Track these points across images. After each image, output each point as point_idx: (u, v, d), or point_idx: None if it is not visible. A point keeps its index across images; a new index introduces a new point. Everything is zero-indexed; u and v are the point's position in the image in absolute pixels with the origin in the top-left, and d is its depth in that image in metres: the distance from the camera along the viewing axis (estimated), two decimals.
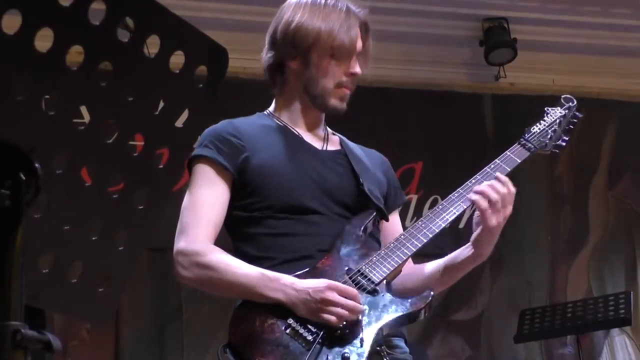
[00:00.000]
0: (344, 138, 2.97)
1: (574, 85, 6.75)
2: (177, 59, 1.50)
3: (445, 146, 6.51)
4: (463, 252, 2.74)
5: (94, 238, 1.54)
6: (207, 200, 2.68)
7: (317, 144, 2.86)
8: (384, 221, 2.85)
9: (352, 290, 2.53)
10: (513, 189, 2.67)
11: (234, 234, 2.75)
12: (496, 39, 6.38)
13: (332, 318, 2.47)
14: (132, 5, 1.42)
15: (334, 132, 2.97)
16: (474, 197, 2.64)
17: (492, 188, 2.64)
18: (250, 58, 5.76)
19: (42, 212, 1.44)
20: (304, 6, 2.78)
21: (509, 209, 2.65)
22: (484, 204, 2.62)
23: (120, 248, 1.59)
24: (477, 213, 2.67)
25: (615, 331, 6.41)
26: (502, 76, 6.61)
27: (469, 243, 2.71)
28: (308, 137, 2.86)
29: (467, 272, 2.77)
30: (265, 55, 2.87)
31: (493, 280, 6.40)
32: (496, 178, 2.68)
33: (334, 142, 2.92)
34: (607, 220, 6.73)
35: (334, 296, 2.49)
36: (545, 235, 6.60)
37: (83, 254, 1.54)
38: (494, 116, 6.73)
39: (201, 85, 1.54)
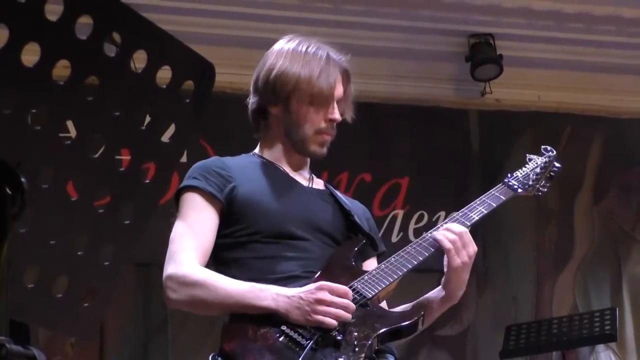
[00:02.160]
0: (328, 184, 3.02)
1: (559, 101, 6.79)
2: (164, 74, 1.50)
3: (431, 162, 6.51)
4: (435, 293, 2.77)
5: (79, 253, 1.54)
6: (196, 227, 2.69)
7: (303, 182, 2.91)
8: (366, 260, 2.89)
9: (343, 288, 2.54)
10: (461, 229, 2.70)
11: (219, 261, 2.75)
12: (482, 55, 6.39)
13: (327, 319, 2.48)
14: (119, 20, 1.42)
15: (322, 175, 3.03)
16: (439, 237, 2.69)
17: (447, 230, 2.70)
18: (237, 73, 5.81)
19: (27, 227, 1.44)
20: (285, 54, 2.83)
21: (471, 248, 2.68)
22: (447, 244, 2.66)
23: (105, 263, 1.59)
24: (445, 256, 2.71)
25: (600, 347, 6.41)
26: (487, 92, 6.62)
27: (440, 286, 2.75)
28: (294, 175, 2.90)
29: (441, 312, 2.79)
30: (250, 101, 2.91)
31: (479, 295, 6.39)
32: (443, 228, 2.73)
33: (319, 184, 2.98)
34: (593, 235, 6.73)
35: (325, 295, 2.50)
36: (531, 251, 6.60)
37: (68, 268, 1.54)
38: (480, 132, 6.73)
39: (188, 100, 1.54)
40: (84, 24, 1.38)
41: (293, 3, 5.99)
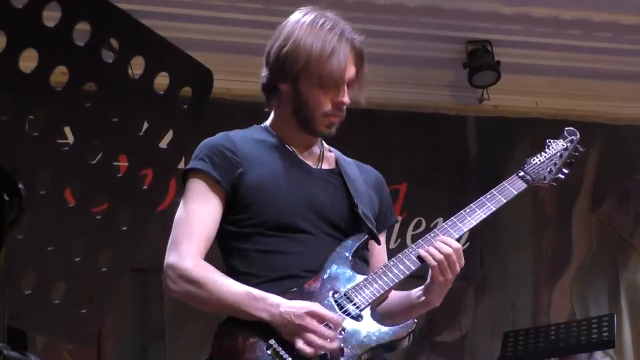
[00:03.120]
0: (340, 155, 2.96)
1: (557, 108, 6.78)
2: (162, 80, 1.50)
3: (429, 168, 6.51)
4: (416, 294, 2.77)
5: (77, 259, 1.54)
6: (199, 215, 2.67)
7: (312, 163, 2.85)
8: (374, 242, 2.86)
9: (336, 318, 2.53)
10: (456, 245, 2.69)
11: (224, 248, 2.75)
12: (480, 62, 6.39)
13: (307, 349, 2.48)
14: (116, 26, 1.42)
15: (331, 149, 2.96)
16: (423, 254, 2.68)
17: (436, 249, 2.67)
18: (235, 79, 5.83)
19: (25, 233, 1.44)
20: (299, 27, 2.76)
21: (456, 268, 2.67)
22: (432, 262, 2.66)
23: (103, 269, 1.59)
24: None
25: (598, 354, 6.41)
26: (485, 98, 6.62)
27: (421, 288, 2.74)
28: (303, 155, 2.84)
29: (419, 314, 2.79)
30: (262, 73, 2.85)
31: (477, 302, 6.39)
32: (440, 240, 2.70)
33: (330, 161, 2.91)
34: (590, 242, 6.73)
35: (312, 324, 2.49)
36: (529, 257, 6.60)
37: (66, 274, 1.54)
38: (478, 138, 6.74)
39: (185, 106, 1.54)
40: (82, 30, 1.38)
41: (291, 9, 5.97)
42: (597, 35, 6.50)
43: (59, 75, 1.41)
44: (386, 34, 6.18)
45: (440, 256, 2.65)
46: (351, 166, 2.93)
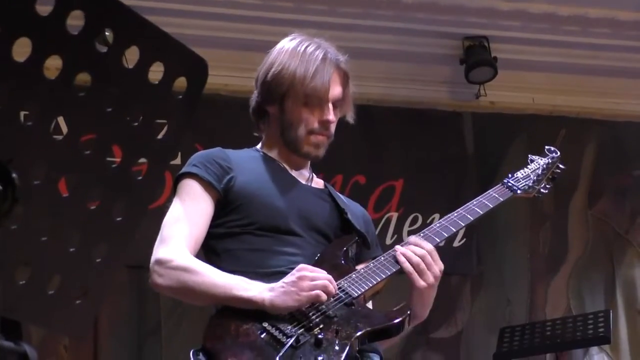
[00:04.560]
0: (328, 184, 3.03)
1: (553, 104, 6.79)
2: (156, 70, 1.50)
3: (425, 164, 6.51)
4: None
5: (71, 250, 1.53)
6: (190, 215, 2.68)
7: (302, 180, 2.92)
8: (363, 253, 2.89)
9: (320, 270, 2.57)
10: (429, 247, 2.69)
11: (209, 249, 2.75)
12: (476, 58, 6.39)
13: (314, 293, 2.49)
14: (111, 15, 1.41)
15: (319, 178, 3.02)
16: (400, 258, 2.68)
17: (410, 250, 2.68)
18: (232, 75, 5.82)
19: (19, 224, 1.43)
20: (284, 52, 2.85)
21: (435, 269, 2.66)
22: (408, 267, 2.66)
23: (98, 260, 1.58)
24: None
25: (594, 349, 6.41)
26: (482, 95, 6.62)
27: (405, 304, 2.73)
28: (293, 173, 2.91)
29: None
30: (252, 98, 2.94)
31: (473, 298, 6.39)
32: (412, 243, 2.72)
33: (319, 184, 2.99)
34: (587, 238, 6.74)
35: (307, 271, 2.52)
36: (525, 253, 6.61)
37: (60, 266, 1.53)
38: (474, 134, 6.74)
39: (180, 97, 1.53)
40: (76, 19, 1.38)
41: (288, 5, 5.98)
42: (594, 31, 6.50)
43: (55, 72, 1.40)
44: (382, 30, 6.19)
45: (416, 259, 2.65)
46: (339, 194, 3.00)
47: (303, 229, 2.75)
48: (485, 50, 6.39)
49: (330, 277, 2.55)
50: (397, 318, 2.58)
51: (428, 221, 6.21)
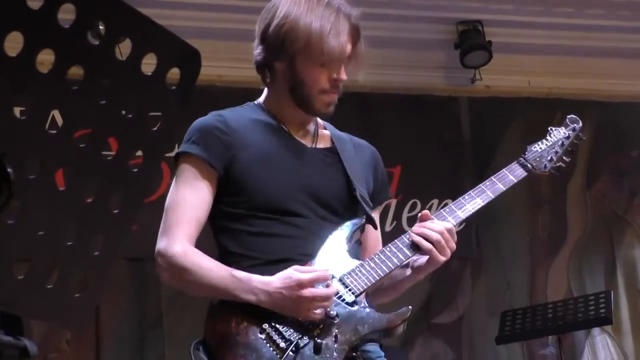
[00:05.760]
0: (334, 131, 2.93)
1: (549, 86, 6.79)
2: (149, 62, 1.49)
3: (422, 150, 6.51)
4: (402, 272, 2.77)
5: (69, 243, 1.53)
6: (190, 199, 2.65)
7: (307, 142, 2.82)
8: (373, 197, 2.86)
9: (324, 274, 2.53)
10: (449, 225, 2.69)
11: (216, 227, 2.73)
12: (471, 42, 6.39)
13: (315, 315, 2.48)
14: (102, 8, 1.41)
15: (326, 125, 2.93)
16: (416, 238, 2.67)
17: (428, 229, 2.67)
18: (226, 66, 5.82)
19: (15, 218, 1.43)
20: (296, 3, 2.72)
21: (452, 244, 2.67)
22: (427, 245, 2.65)
23: (95, 253, 1.58)
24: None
25: (596, 330, 6.43)
26: (477, 79, 6.63)
27: (410, 267, 2.74)
28: (298, 135, 2.82)
29: (405, 288, 2.81)
30: (256, 49, 2.80)
31: (473, 282, 6.40)
32: (421, 218, 2.71)
33: (325, 139, 2.88)
34: (586, 220, 6.75)
35: (308, 292, 2.48)
36: (524, 237, 6.62)
37: (58, 259, 1.53)
38: (471, 119, 6.74)
39: (174, 87, 1.52)
40: (68, 12, 1.37)
41: None
42: (588, 12, 6.50)
43: (47, 65, 1.40)
44: (377, 17, 6.17)
45: (436, 235, 2.65)
46: (347, 144, 2.90)
47: (309, 207, 2.69)
48: (479, 34, 6.40)
49: (329, 292, 2.52)
50: (396, 321, 2.58)
51: (427, 207, 6.22)
